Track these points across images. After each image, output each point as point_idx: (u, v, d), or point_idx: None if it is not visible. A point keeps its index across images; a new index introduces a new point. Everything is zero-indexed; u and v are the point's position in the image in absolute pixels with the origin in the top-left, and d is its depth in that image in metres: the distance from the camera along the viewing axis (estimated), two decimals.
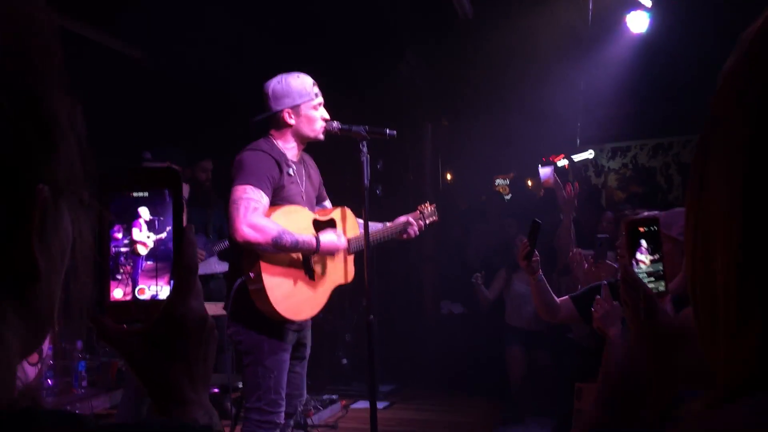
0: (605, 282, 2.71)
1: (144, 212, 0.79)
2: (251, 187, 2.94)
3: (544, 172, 5.88)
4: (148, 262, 0.80)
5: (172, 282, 0.80)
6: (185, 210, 0.83)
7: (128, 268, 0.79)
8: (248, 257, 2.99)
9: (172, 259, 0.80)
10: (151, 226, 0.79)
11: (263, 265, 2.97)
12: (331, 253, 3.20)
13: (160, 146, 4.37)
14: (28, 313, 0.54)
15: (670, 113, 9.01)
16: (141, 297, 0.80)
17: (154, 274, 0.80)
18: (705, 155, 0.51)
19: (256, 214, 2.91)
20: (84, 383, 4.65)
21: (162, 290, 0.80)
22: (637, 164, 9.99)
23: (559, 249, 5.06)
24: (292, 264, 3.08)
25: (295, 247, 3.00)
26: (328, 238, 3.14)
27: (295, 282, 3.09)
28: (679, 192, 9.55)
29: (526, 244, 3.08)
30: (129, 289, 0.79)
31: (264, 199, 2.97)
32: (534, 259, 3.09)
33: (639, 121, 9.28)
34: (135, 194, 0.79)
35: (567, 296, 3.29)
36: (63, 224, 0.56)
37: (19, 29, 0.50)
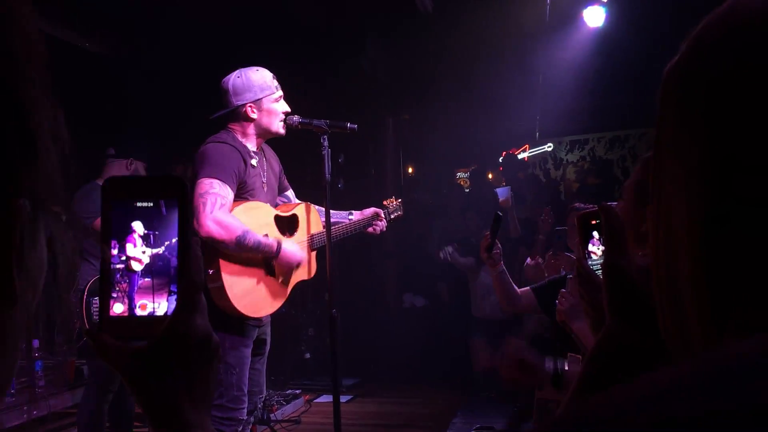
0: (570, 275, 2.75)
1: (138, 227, 0.76)
2: (218, 181, 2.90)
3: (502, 193, 5.96)
4: (145, 279, 0.76)
5: (174, 298, 0.76)
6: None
7: (124, 285, 0.76)
8: (207, 254, 2.95)
9: (177, 273, 0.76)
10: (146, 240, 0.76)
11: (222, 262, 2.94)
12: (289, 263, 3.12)
13: (125, 142, 4.27)
14: (2, 341, 0.50)
15: (626, 106, 9.17)
16: (141, 313, 0.76)
17: (151, 291, 0.76)
18: (659, 154, 0.52)
19: (222, 210, 2.87)
20: (41, 383, 4.57)
21: (159, 307, 0.76)
22: (594, 157, 10.15)
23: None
24: (251, 261, 3.05)
25: (257, 248, 2.97)
26: (290, 248, 3.10)
27: (254, 279, 3.07)
28: None
29: (487, 236, 3.11)
30: (127, 306, 0.76)
31: (230, 195, 2.94)
32: (495, 251, 3.13)
33: (596, 115, 9.43)
34: (139, 204, 0.76)
35: (528, 287, 3.34)
36: (40, 241, 0.53)
37: (0, 30, 0.48)
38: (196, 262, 0.76)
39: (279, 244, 3.05)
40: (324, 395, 6.36)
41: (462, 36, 6.51)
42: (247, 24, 5.81)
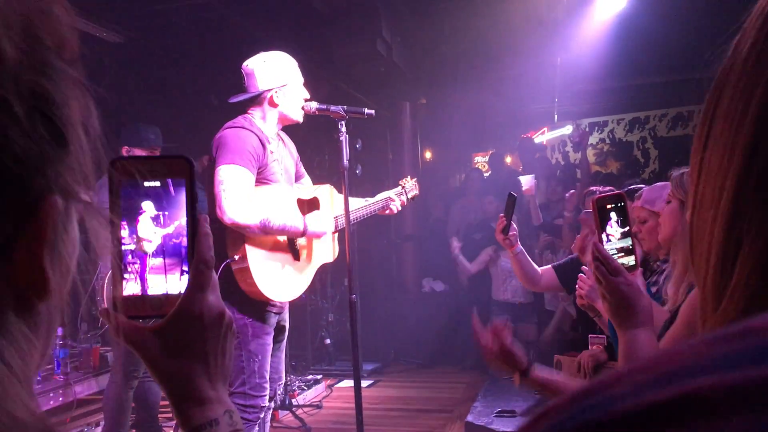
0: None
1: (148, 207, 0.76)
2: (237, 166, 2.89)
3: (526, 181, 5.93)
4: (156, 259, 0.77)
5: (187, 276, 0.77)
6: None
7: (135, 266, 0.76)
8: (233, 240, 2.96)
9: (187, 252, 0.77)
10: (156, 221, 0.76)
11: (248, 247, 2.94)
12: (318, 237, 3.18)
13: (130, 128, 4.23)
14: (35, 331, 0.50)
15: (646, 87, 9.07)
16: (154, 292, 0.77)
17: (163, 271, 0.77)
18: (714, 107, 0.51)
19: (245, 196, 2.88)
20: (67, 369, 4.63)
21: (172, 286, 0.77)
22: (614, 139, 10.06)
23: (565, 242, 5.14)
24: (276, 245, 3.06)
25: (283, 230, 2.98)
26: (314, 222, 3.12)
27: (280, 263, 3.08)
28: (656, 165, 9.64)
29: (502, 218, 3.10)
30: (139, 285, 0.77)
31: (251, 179, 2.94)
32: (511, 233, 3.11)
33: (616, 96, 9.34)
34: (147, 184, 0.76)
35: (550, 266, 3.34)
36: (73, 232, 0.53)
37: (32, 21, 0.47)
38: (205, 240, 0.77)
39: (305, 223, 3.06)
40: (345, 380, 6.39)
41: (479, 19, 6.46)
42: (263, 10, 5.80)
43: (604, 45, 7.04)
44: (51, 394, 4.33)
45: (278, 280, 3.06)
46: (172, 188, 0.77)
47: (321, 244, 3.30)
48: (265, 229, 2.90)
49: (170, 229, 0.77)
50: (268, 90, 3.08)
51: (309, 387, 5.98)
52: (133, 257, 0.76)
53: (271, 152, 3.08)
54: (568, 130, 9.91)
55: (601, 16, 6.79)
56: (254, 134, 3.00)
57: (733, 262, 0.46)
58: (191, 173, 0.77)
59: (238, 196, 2.86)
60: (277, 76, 3.09)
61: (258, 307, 3.03)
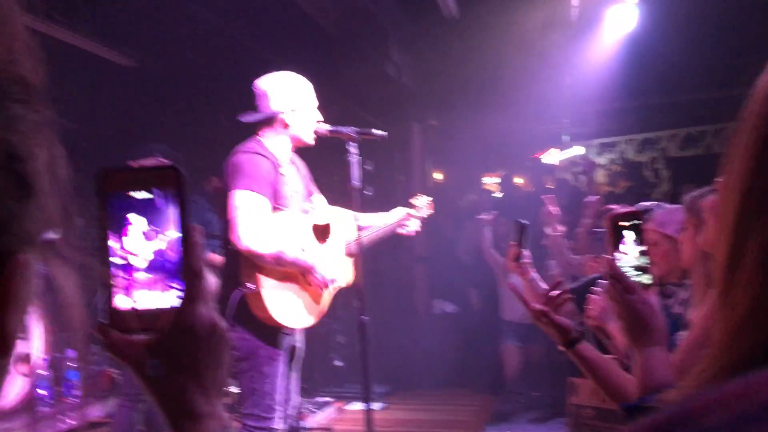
0: (602, 280, 2.71)
1: (136, 220, 0.74)
2: (254, 193, 2.87)
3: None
4: (143, 274, 0.75)
5: (174, 292, 0.75)
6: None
7: (124, 280, 0.75)
8: (246, 268, 2.94)
9: (178, 264, 0.75)
10: (144, 234, 0.74)
11: (261, 276, 2.93)
12: (320, 284, 3.12)
13: (138, 146, 4.23)
14: None
15: (656, 108, 9.07)
16: (145, 306, 0.75)
17: (152, 286, 0.75)
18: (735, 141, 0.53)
19: (261, 224, 2.86)
20: (77, 393, 4.62)
21: (162, 301, 0.75)
22: (625, 159, 10.04)
23: (552, 255, 5.07)
24: (290, 272, 3.04)
25: (293, 264, 2.97)
26: (324, 269, 3.09)
27: (294, 290, 3.06)
28: (667, 186, 9.60)
29: (513, 245, 3.05)
30: (129, 300, 0.75)
31: (266, 206, 2.92)
32: (524, 261, 3.07)
33: (626, 116, 9.33)
34: (136, 195, 0.74)
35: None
36: (33, 281, 0.51)
37: None
38: (196, 250, 0.75)
39: (315, 263, 3.05)
40: (355, 402, 6.35)
41: (488, 40, 6.49)
42: (272, 32, 5.84)
43: (614, 65, 7.06)
44: (60, 417, 4.32)
45: (292, 307, 3.04)
46: (160, 200, 0.75)
47: (335, 270, 3.27)
48: (279, 261, 2.89)
49: (158, 243, 0.75)
50: (281, 112, 3.07)
51: (319, 409, 5.94)
52: (121, 272, 0.75)
53: (283, 176, 3.07)
54: (581, 151, 9.90)
55: (610, 37, 6.81)
56: (267, 159, 2.99)
57: (738, 261, 0.46)
58: (180, 184, 0.75)
59: (254, 223, 2.84)
60: (290, 98, 3.08)
61: (270, 329, 3.01)
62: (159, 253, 0.75)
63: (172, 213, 0.75)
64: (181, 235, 0.75)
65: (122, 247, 0.74)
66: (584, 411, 3.39)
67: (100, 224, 0.74)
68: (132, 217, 0.74)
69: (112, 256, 0.74)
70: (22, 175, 0.47)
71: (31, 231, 0.48)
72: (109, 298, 0.75)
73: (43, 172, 0.49)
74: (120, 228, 0.74)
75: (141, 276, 0.75)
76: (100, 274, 0.74)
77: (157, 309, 0.75)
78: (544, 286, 3.23)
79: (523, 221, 3.02)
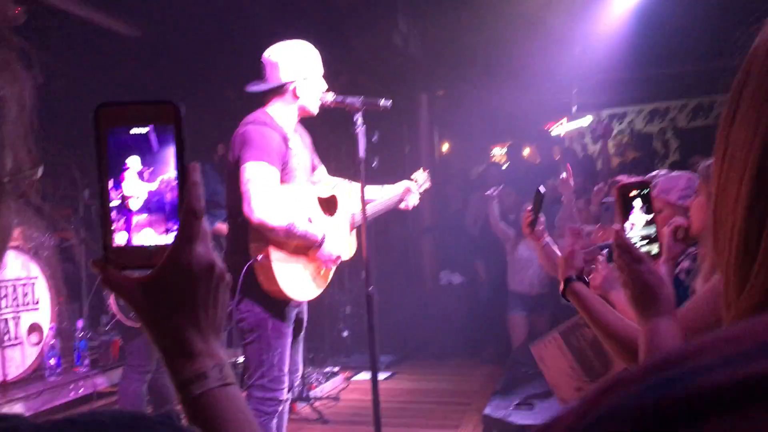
0: (604, 248, 2.71)
1: (133, 163, 0.74)
2: (265, 164, 2.87)
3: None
4: (141, 215, 0.75)
5: (173, 234, 0.75)
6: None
7: (121, 222, 0.75)
8: (256, 239, 2.95)
9: (171, 201, 0.75)
10: (141, 176, 0.74)
11: (272, 248, 2.94)
12: (329, 257, 3.11)
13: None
14: None
15: (666, 78, 8.96)
16: (145, 243, 0.75)
17: (149, 227, 0.75)
18: (740, 89, 0.50)
19: (273, 196, 2.86)
20: (86, 362, 4.67)
21: (160, 240, 0.76)
22: (633, 130, 9.97)
23: (560, 226, 5.07)
24: (298, 246, 3.05)
25: (304, 237, 2.98)
26: (331, 244, 3.10)
27: (301, 263, 3.08)
28: (676, 157, 9.54)
29: (529, 212, 3.08)
30: (127, 239, 0.75)
31: (277, 178, 2.93)
32: (539, 227, 3.10)
33: (635, 87, 9.24)
34: (133, 131, 0.74)
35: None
36: (2, 222, 0.51)
37: None
38: (195, 189, 0.74)
39: (323, 238, 3.05)
40: (362, 372, 6.40)
41: (497, 9, 6.41)
42: (279, 1, 5.79)
43: (624, 35, 6.97)
44: (71, 386, 4.37)
45: (299, 279, 3.06)
46: (157, 141, 0.74)
47: (340, 242, 3.29)
48: (289, 234, 2.90)
49: (154, 186, 0.75)
50: (291, 81, 3.06)
51: (326, 379, 5.99)
52: (118, 214, 0.75)
53: (292, 149, 3.07)
54: (587, 121, 9.83)
55: (621, 6, 6.72)
56: (276, 131, 2.99)
57: (757, 241, 0.44)
58: (179, 119, 0.75)
59: (268, 195, 2.85)
60: (301, 67, 3.06)
61: (278, 302, 3.03)
62: (157, 194, 0.75)
63: (170, 150, 0.75)
64: (179, 173, 0.75)
65: (120, 189, 0.74)
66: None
67: (98, 165, 0.74)
68: (130, 161, 0.74)
69: (111, 199, 0.74)
70: None
71: None
72: (106, 235, 0.75)
73: (6, 108, 0.48)
74: (119, 170, 0.74)
75: (139, 217, 0.75)
76: (98, 214, 0.74)
77: (154, 246, 0.75)
78: (557, 251, 3.26)
79: (542, 189, 3.03)
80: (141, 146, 0.74)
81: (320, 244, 3.05)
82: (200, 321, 0.76)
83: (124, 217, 0.75)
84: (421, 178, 3.67)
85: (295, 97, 3.07)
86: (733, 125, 0.50)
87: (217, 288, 0.77)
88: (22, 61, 0.50)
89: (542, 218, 3.11)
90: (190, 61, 6.39)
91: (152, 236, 0.76)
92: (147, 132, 0.74)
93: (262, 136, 2.93)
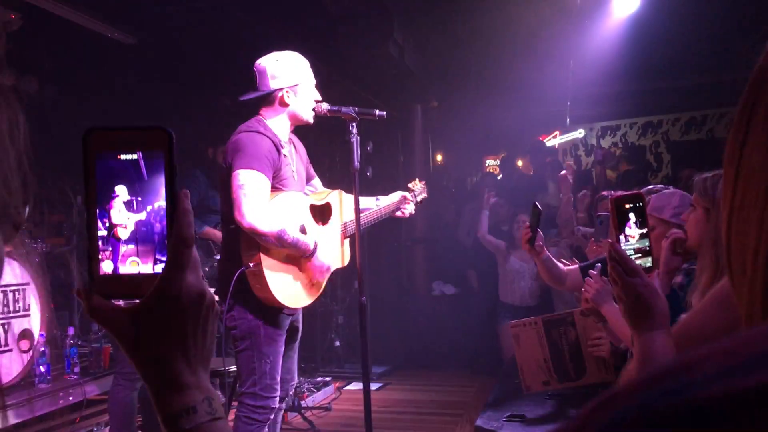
0: (598, 263, 2.72)
1: (121, 191, 0.72)
2: (256, 171, 2.90)
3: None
4: (129, 246, 0.73)
5: (160, 264, 0.73)
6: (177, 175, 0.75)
7: (108, 252, 0.73)
8: (248, 246, 2.96)
9: (159, 231, 0.73)
10: (129, 206, 0.73)
11: (263, 255, 2.95)
12: (320, 268, 3.12)
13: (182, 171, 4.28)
14: None
15: (659, 91, 9.02)
16: (129, 272, 0.73)
17: (136, 258, 0.73)
18: (752, 107, 0.50)
19: (264, 203, 2.88)
20: (76, 369, 4.64)
21: (148, 269, 0.74)
22: (627, 143, 10.01)
23: (561, 225, 5.10)
24: (290, 253, 3.06)
25: (295, 244, 2.98)
26: (323, 254, 3.11)
27: (293, 271, 3.08)
28: (668, 170, 9.59)
29: (527, 229, 3.09)
30: (111, 267, 0.73)
31: (268, 185, 2.95)
32: (537, 244, 3.11)
33: (629, 100, 9.29)
34: (123, 156, 0.72)
35: (576, 265, 3.32)
36: None
37: None
38: (185, 217, 0.73)
39: (315, 247, 3.05)
40: (354, 382, 6.38)
41: (491, 22, 6.44)
42: (275, 11, 5.80)
43: (617, 48, 7.01)
44: (61, 394, 4.34)
45: (292, 287, 3.06)
46: (147, 168, 0.73)
47: (332, 250, 3.30)
48: (280, 240, 2.91)
49: (142, 215, 0.73)
50: (279, 89, 3.09)
51: (318, 389, 5.97)
52: (105, 243, 0.73)
53: (285, 156, 3.09)
54: (580, 133, 9.87)
55: (614, 19, 6.76)
56: (269, 139, 3.01)
57: None
58: (170, 145, 0.73)
59: (258, 201, 2.86)
60: (288, 75, 3.09)
61: (271, 309, 3.03)
62: (146, 224, 0.73)
63: (160, 177, 0.73)
64: (168, 200, 0.73)
65: (108, 217, 0.73)
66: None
67: (86, 192, 0.72)
68: (119, 189, 0.72)
69: (99, 229, 0.73)
70: None
71: None
72: (93, 264, 0.73)
73: (2, 140, 0.47)
74: (107, 197, 0.72)
75: (127, 246, 0.73)
76: (87, 243, 0.73)
77: (143, 275, 0.73)
78: (558, 265, 3.27)
79: (539, 205, 3.05)
80: (130, 173, 0.72)
81: (312, 253, 3.05)
82: (189, 352, 0.74)
83: (111, 247, 0.73)
84: (418, 189, 3.68)
85: (284, 105, 3.11)
86: (745, 147, 0.50)
87: (206, 318, 0.75)
88: (14, 91, 0.50)
89: (541, 234, 3.13)
90: (185, 68, 6.40)
91: (140, 266, 0.74)
92: (137, 158, 0.72)
93: (253, 143, 2.96)
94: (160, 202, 0.73)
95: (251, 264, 2.94)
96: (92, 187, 0.72)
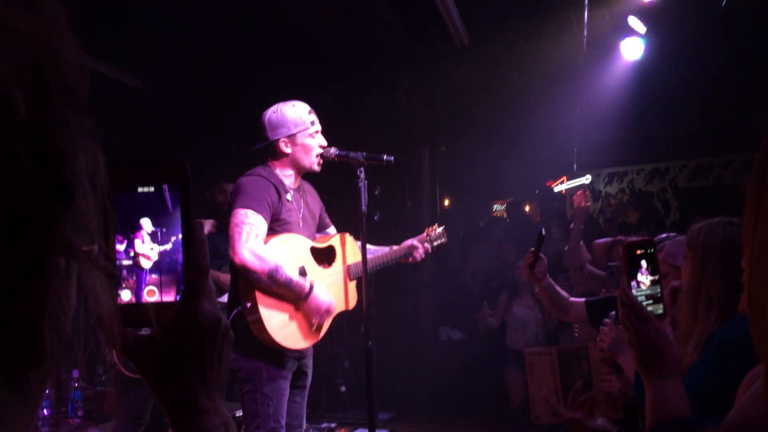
0: (612, 312, 2.71)
1: (146, 224, 0.75)
2: (252, 211, 2.95)
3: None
4: (152, 276, 0.75)
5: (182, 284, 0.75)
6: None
7: (131, 281, 0.75)
8: (244, 286, 2.98)
9: (182, 261, 0.75)
10: (154, 237, 0.75)
11: (258, 294, 2.95)
12: (317, 308, 3.08)
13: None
14: (23, 401, 0.47)
15: (666, 138, 9.06)
16: (150, 298, 0.76)
17: (159, 288, 0.76)
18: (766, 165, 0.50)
19: (257, 241, 2.91)
20: (80, 413, 4.60)
21: (168, 299, 0.76)
22: (634, 189, 10.02)
23: (567, 256, 5.03)
24: (285, 294, 3.04)
25: (288, 285, 2.97)
26: (320, 294, 3.08)
27: (292, 311, 3.06)
28: (676, 216, 9.57)
29: (531, 254, 3.09)
30: (134, 298, 0.76)
31: (264, 225, 2.98)
32: (538, 269, 3.11)
33: (635, 146, 9.32)
34: (140, 189, 0.74)
35: (583, 299, 3.30)
36: (72, 292, 0.50)
37: (42, 67, 0.45)
38: (201, 246, 0.75)
39: (311, 288, 3.05)
40: (359, 429, 6.29)
41: (498, 68, 6.52)
42: (283, 57, 5.89)
43: (625, 95, 7.07)
44: None
45: (291, 327, 3.05)
46: (169, 201, 0.75)
47: (337, 292, 3.28)
48: (272, 279, 2.91)
49: (167, 246, 0.75)
50: (278, 139, 3.15)
51: None
52: (128, 273, 0.75)
53: (288, 201, 3.12)
54: (587, 179, 9.89)
55: (620, 66, 6.83)
56: (270, 183, 3.08)
57: None
58: (186, 178, 0.76)
59: (250, 239, 2.89)
60: (284, 126, 3.16)
61: (274, 351, 3.01)
62: (169, 257, 0.76)
63: (177, 209, 0.75)
64: (184, 230, 0.75)
65: (134, 250, 0.75)
66: None
67: (105, 222, 0.74)
68: (144, 221, 0.75)
69: (121, 259, 0.75)
70: (65, 178, 0.46)
71: (70, 236, 0.47)
72: (114, 292, 0.74)
73: (84, 178, 0.48)
74: (131, 230, 0.75)
75: (150, 279, 0.75)
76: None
77: (161, 303, 0.76)
78: (562, 293, 3.25)
79: (543, 232, 3.07)
80: (152, 205, 0.75)
81: (307, 296, 3.04)
82: (206, 378, 0.75)
83: (134, 277, 0.75)
84: (435, 233, 3.67)
85: (284, 153, 3.17)
86: (761, 207, 0.50)
87: (222, 345, 0.77)
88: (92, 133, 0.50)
89: (544, 259, 3.13)
90: (194, 114, 6.47)
91: (162, 295, 0.76)
92: (161, 191, 0.75)
93: (253, 184, 3.04)
94: (177, 234, 0.76)
95: (248, 304, 2.95)
96: (110, 222, 0.74)
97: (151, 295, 0.76)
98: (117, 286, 0.75)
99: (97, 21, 4.88)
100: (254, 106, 3.32)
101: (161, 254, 0.76)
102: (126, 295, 0.75)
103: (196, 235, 0.75)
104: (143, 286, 0.76)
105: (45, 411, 4.32)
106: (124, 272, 0.75)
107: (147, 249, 0.75)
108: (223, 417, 0.75)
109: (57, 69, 0.47)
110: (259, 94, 3.49)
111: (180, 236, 0.76)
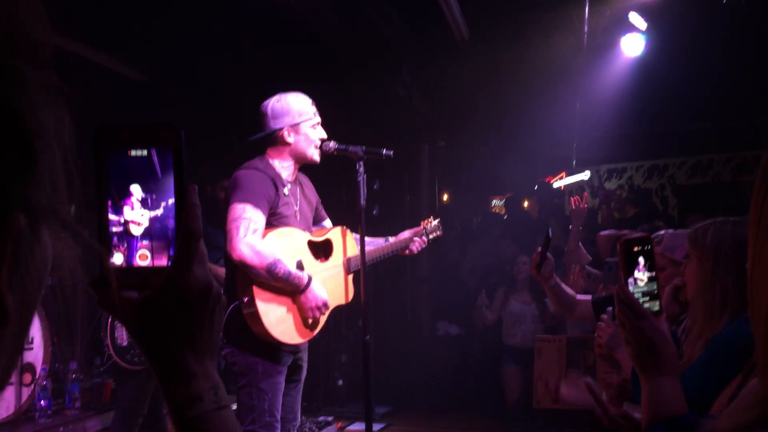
0: (609, 308, 2.71)
1: (136, 190, 0.74)
2: (250, 205, 2.93)
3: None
4: (143, 242, 0.76)
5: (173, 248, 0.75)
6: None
7: (122, 248, 0.75)
8: (242, 281, 2.96)
9: (174, 225, 0.75)
10: (144, 203, 0.75)
11: (256, 289, 2.94)
12: (315, 303, 3.06)
13: None
14: None
15: (665, 134, 9.06)
16: (142, 263, 0.76)
17: (150, 254, 0.76)
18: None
19: (255, 235, 2.90)
20: (77, 404, 4.60)
21: (159, 263, 0.76)
22: (633, 185, 10.02)
23: (566, 254, 5.06)
24: (283, 288, 3.04)
25: (286, 278, 2.96)
26: (317, 289, 3.08)
27: (289, 305, 3.06)
28: (674, 213, 9.57)
29: (538, 253, 3.11)
30: (125, 262, 0.76)
31: (262, 219, 2.97)
32: (545, 269, 3.12)
33: (635, 143, 9.32)
34: (134, 153, 0.74)
35: (590, 297, 3.31)
36: (41, 252, 0.49)
37: (2, 25, 0.44)
38: (193, 211, 0.75)
39: (309, 281, 3.04)
40: (356, 423, 6.31)
41: (498, 63, 6.51)
42: (284, 51, 5.88)
43: (625, 91, 7.06)
44: (61, 429, 4.30)
45: (288, 322, 3.04)
46: (160, 167, 0.75)
47: (335, 286, 3.28)
48: (271, 273, 2.90)
49: (158, 212, 0.75)
50: (280, 129, 3.13)
51: (320, 429, 5.90)
52: (119, 240, 0.75)
53: (284, 195, 3.11)
54: (586, 175, 9.88)
55: (621, 63, 6.83)
56: (267, 176, 3.05)
57: None
58: (179, 142, 0.75)
59: (248, 234, 2.88)
60: (288, 115, 3.14)
61: (270, 345, 3.01)
62: (158, 220, 0.75)
63: (171, 180, 0.75)
64: (177, 195, 0.75)
65: (123, 216, 0.75)
66: None
67: (98, 188, 0.74)
68: (134, 188, 0.74)
69: (113, 225, 0.74)
70: (26, 138, 0.46)
71: (33, 195, 0.46)
72: (105, 257, 0.75)
73: (50, 135, 0.48)
74: (120, 195, 0.74)
75: (141, 245, 0.76)
76: (98, 237, 0.74)
77: (152, 267, 0.76)
78: (569, 291, 3.26)
79: (551, 233, 3.09)
80: (141, 171, 0.74)
81: (305, 289, 3.03)
82: (196, 342, 0.76)
83: (125, 243, 0.75)
84: (431, 227, 3.66)
85: (285, 144, 3.14)
86: (762, 213, 0.50)
87: (213, 309, 0.77)
88: (60, 90, 0.50)
89: (551, 259, 3.14)
90: (195, 106, 6.46)
91: (153, 260, 0.76)
92: (150, 156, 0.74)
93: (249, 178, 3.01)
94: (171, 201, 0.76)
95: (245, 299, 2.94)
96: (104, 184, 0.74)
97: (144, 259, 0.76)
98: (108, 251, 0.75)
99: (97, 13, 4.87)
100: (254, 100, 3.30)
101: (152, 220, 0.75)
102: (117, 259, 0.75)
103: (190, 199, 0.75)
104: (135, 252, 0.76)
105: (43, 402, 4.33)
106: (115, 239, 0.75)
107: (137, 215, 0.75)
108: (213, 381, 0.76)
109: (18, 26, 0.46)
110: (259, 87, 3.47)
111: (171, 202, 0.75)
